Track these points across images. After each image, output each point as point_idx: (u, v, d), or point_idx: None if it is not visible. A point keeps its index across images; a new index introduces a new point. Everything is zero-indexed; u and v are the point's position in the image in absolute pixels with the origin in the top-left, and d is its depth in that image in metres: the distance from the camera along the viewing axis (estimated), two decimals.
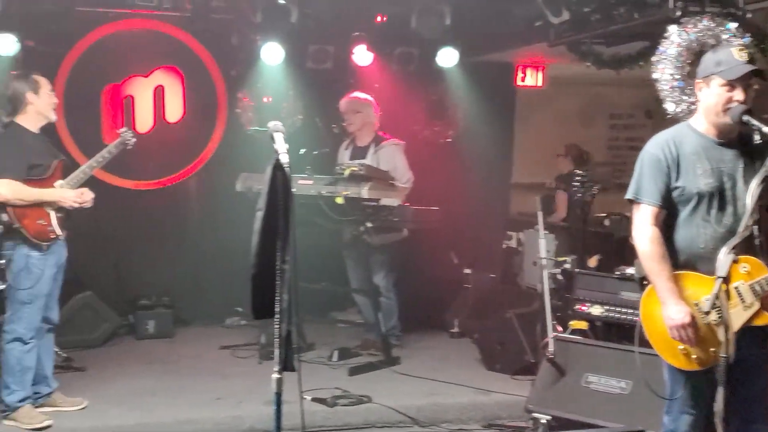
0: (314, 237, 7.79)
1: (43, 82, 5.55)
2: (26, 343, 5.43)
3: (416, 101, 8.74)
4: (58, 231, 5.46)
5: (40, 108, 5.50)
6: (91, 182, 8.11)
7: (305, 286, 7.54)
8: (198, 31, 8.27)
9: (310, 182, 6.65)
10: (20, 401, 5.46)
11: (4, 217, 5.29)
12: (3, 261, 5.45)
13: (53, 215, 5.44)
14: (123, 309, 8.06)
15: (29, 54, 7.64)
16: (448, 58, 8.32)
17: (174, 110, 8.42)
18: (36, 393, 5.65)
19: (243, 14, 7.67)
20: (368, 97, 7.34)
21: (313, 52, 8.21)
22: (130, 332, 8.02)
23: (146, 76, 8.27)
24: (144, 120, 8.31)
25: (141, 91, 8.26)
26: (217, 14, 7.81)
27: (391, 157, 7.14)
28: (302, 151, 6.89)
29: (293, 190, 6.52)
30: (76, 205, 5.54)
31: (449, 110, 8.86)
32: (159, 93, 8.37)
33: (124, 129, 6.08)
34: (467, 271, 8.17)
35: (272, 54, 7.94)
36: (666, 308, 3.81)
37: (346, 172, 6.40)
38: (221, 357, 7.31)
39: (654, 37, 6.15)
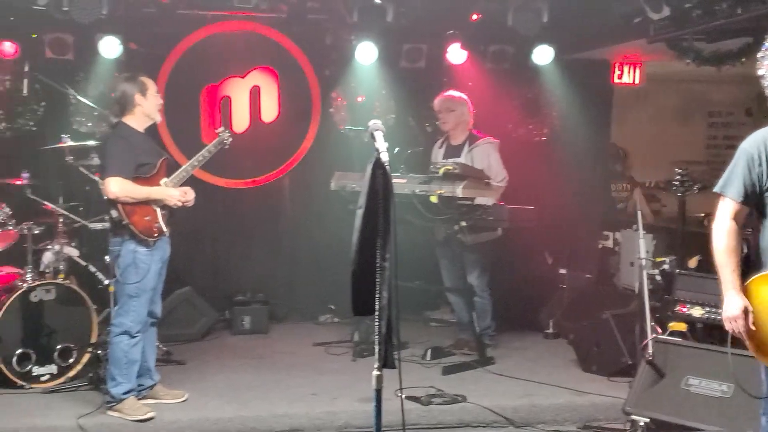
0: (407, 235, 7.84)
1: (150, 84, 5.73)
2: (133, 337, 5.60)
3: (510, 99, 8.67)
4: (164, 228, 5.63)
5: (146, 109, 5.69)
6: (189, 181, 8.37)
7: (399, 284, 7.62)
8: (293, 32, 8.37)
9: (404, 181, 6.65)
10: (125, 393, 5.62)
11: (114, 213, 5.48)
12: (110, 257, 5.64)
13: (159, 212, 5.62)
14: (219, 305, 8.23)
15: (132, 56, 7.87)
16: (543, 55, 8.22)
17: (269, 110, 8.55)
18: (140, 385, 5.82)
19: (338, 14, 7.73)
20: (462, 95, 7.30)
21: (406, 51, 8.23)
22: (226, 327, 8.17)
23: (243, 77, 8.41)
24: (240, 120, 8.45)
25: (238, 92, 8.41)
26: (312, 15, 7.90)
27: (486, 156, 7.09)
28: (396, 149, 6.91)
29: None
30: (180, 204, 5.72)
31: (544, 108, 8.74)
32: (255, 93, 8.51)
33: (221, 129, 6.23)
34: (562, 271, 8.08)
35: (366, 53, 7.99)
36: (725, 299, 3.85)
37: (441, 171, 6.38)
38: (315, 353, 7.38)
39: (758, 32, 5.97)
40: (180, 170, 5.82)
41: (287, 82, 8.52)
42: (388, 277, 3.64)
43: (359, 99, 8.48)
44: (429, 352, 7.10)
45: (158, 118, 5.83)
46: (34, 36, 7.65)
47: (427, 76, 8.43)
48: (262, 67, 8.42)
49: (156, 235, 5.60)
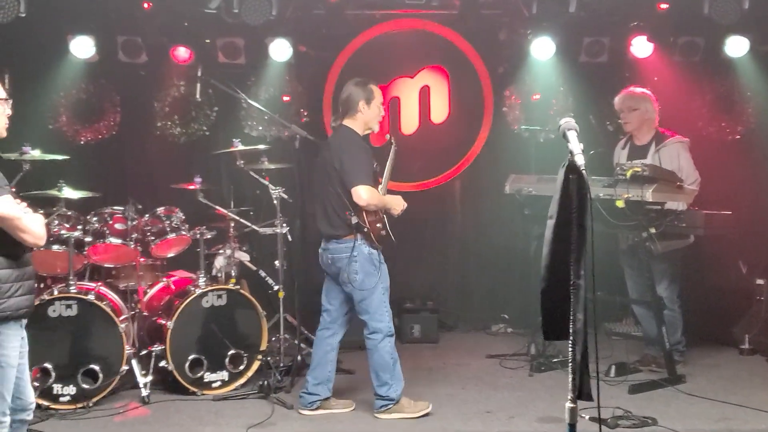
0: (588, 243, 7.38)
1: (378, 94, 5.69)
2: (392, 335, 5.64)
3: (700, 95, 8.00)
4: (391, 235, 5.64)
5: (367, 117, 5.66)
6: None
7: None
8: (464, 29, 8.05)
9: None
10: (399, 393, 5.64)
11: (354, 220, 5.44)
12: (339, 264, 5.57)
13: (385, 219, 5.62)
14: None
15: (301, 59, 7.75)
16: (737, 47, 7.52)
17: (439, 110, 8.27)
18: (315, 395, 5.73)
19: (514, 8, 7.36)
20: (645, 91, 6.75)
21: (587, 45, 7.72)
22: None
23: (412, 77, 8.16)
24: (409, 121, 8.22)
25: (407, 92, 8.17)
26: (485, 10, 7.56)
27: (675, 157, 6.51)
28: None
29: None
30: (400, 212, 5.70)
31: (738, 104, 8.01)
32: (424, 93, 8.25)
33: (388, 135, 6.12)
34: (759, 281, 7.36)
35: (543, 48, 7.57)
36: None
37: (628, 174, 5.88)
38: (489, 366, 7.01)
39: None
40: (385, 178, 5.79)
41: (458, 81, 8.20)
42: (583, 296, 3.20)
43: (535, 97, 8.05)
44: (613, 369, 6.60)
45: (376, 128, 5.79)
46: (207, 41, 7.65)
47: (609, 71, 7.91)
48: (432, 66, 8.13)
49: (384, 241, 5.61)
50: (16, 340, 3.94)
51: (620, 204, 5.95)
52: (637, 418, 5.51)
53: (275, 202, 6.52)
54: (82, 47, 7.26)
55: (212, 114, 7.98)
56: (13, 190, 4.44)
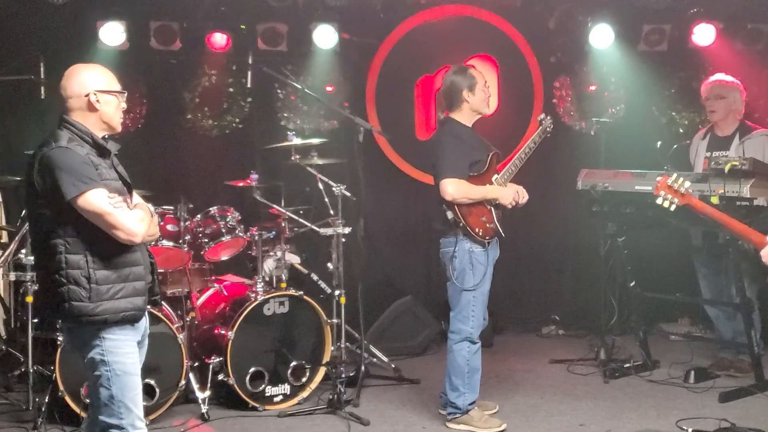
0: (658, 241, 7.02)
1: (479, 77, 5.34)
2: (474, 343, 5.29)
3: (760, 84, 7.64)
4: (499, 228, 5.25)
5: (474, 105, 5.32)
6: (400, 179, 7.78)
7: (653, 296, 6.83)
8: (514, 16, 7.64)
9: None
10: (471, 404, 5.30)
11: (449, 215, 5.14)
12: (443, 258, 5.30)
13: (494, 212, 5.24)
14: (435, 313, 7.54)
15: (345, 46, 7.30)
16: None
17: None
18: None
19: None
20: (735, 80, 6.39)
21: (647, 33, 7.34)
22: (443, 339, 7.46)
23: None
24: None
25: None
26: None
27: (761, 149, 6.13)
28: (659, 143, 6.12)
29: (648, 188, 5.92)
30: (514, 203, 5.29)
31: None
32: None
33: (542, 116, 5.74)
34: None
35: (602, 36, 7.18)
36: None
37: (727, 167, 5.48)
38: (557, 372, 6.59)
39: None
40: (509, 165, 5.41)
41: (508, 70, 7.78)
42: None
43: (591, 88, 7.63)
44: (692, 374, 6.21)
45: (488, 111, 5.48)
46: (243, 27, 7.16)
47: (669, 60, 7.54)
48: (480, 56, 7.67)
49: (492, 235, 5.22)
50: (129, 345, 3.58)
51: (715, 200, 5.56)
52: (745, 430, 5.15)
53: (325, 200, 6.13)
54: (113, 34, 6.76)
55: (246, 106, 7.48)
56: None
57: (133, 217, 3.53)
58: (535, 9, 7.46)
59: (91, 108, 3.60)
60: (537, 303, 7.93)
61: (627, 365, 6.48)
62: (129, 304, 3.56)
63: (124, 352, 3.56)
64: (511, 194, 5.27)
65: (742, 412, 5.53)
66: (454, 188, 5.09)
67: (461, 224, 5.10)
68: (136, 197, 3.80)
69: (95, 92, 3.60)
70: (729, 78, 6.39)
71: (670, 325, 7.70)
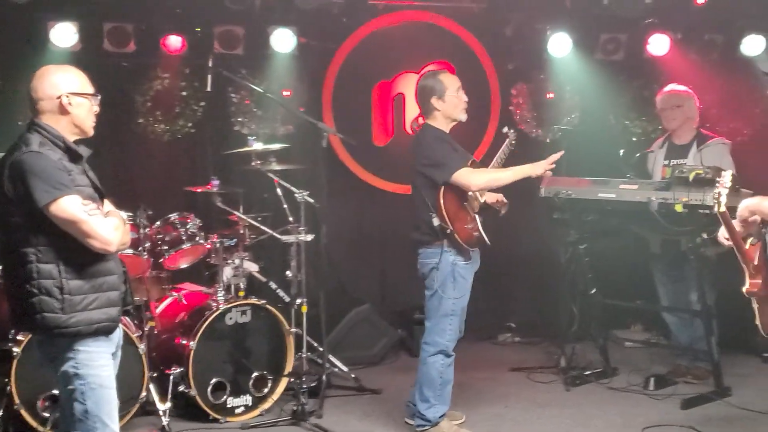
0: (614, 248, 7.06)
1: (450, 83, 5.20)
2: (449, 356, 5.21)
3: (713, 94, 7.75)
4: (485, 237, 5.17)
5: (446, 112, 5.21)
6: (356, 185, 7.69)
7: (613, 303, 6.86)
8: (471, 22, 7.63)
9: (635, 187, 5.85)
10: (441, 416, 5.23)
11: (435, 221, 5.01)
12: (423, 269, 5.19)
13: (478, 220, 5.14)
14: (393, 322, 7.47)
15: (303, 50, 7.19)
16: (753, 45, 7.31)
17: None
18: None
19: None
20: (688, 89, 6.47)
21: (603, 42, 7.39)
22: (401, 348, 7.41)
23: (418, 72, 7.61)
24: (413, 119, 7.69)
25: (412, 89, 7.55)
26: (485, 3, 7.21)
27: (719, 158, 6.21)
28: (622, 152, 6.17)
29: (612, 195, 5.94)
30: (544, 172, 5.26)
31: (749, 104, 7.78)
32: None
33: (506, 128, 5.58)
34: None
35: (559, 45, 7.22)
36: None
37: (691, 176, 5.53)
38: (517, 380, 6.57)
39: None
40: None
41: (465, 77, 7.70)
42: None
43: (549, 95, 7.66)
44: (652, 381, 6.26)
45: (463, 117, 5.27)
46: (198, 30, 7.00)
47: (625, 68, 7.62)
48: (438, 62, 7.61)
49: (476, 244, 5.17)
50: (104, 357, 3.44)
51: (679, 208, 5.61)
52: None
53: (284, 206, 6.02)
54: (64, 35, 6.53)
55: (199, 110, 7.30)
56: None
57: (107, 226, 3.39)
58: (493, 16, 7.45)
59: (62, 111, 3.46)
60: (492, 310, 7.89)
61: (587, 373, 6.51)
62: (103, 315, 3.42)
63: (98, 365, 3.42)
64: (543, 164, 5.14)
65: (705, 419, 5.58)
66: (475, 175, 5.02)
67: (449, 231, 5.00)
68: (108, 204, 3.66)
69: (67, 94, 3.46)
70: (683, 87, 6.48)
71: (624, 331, 7.74)
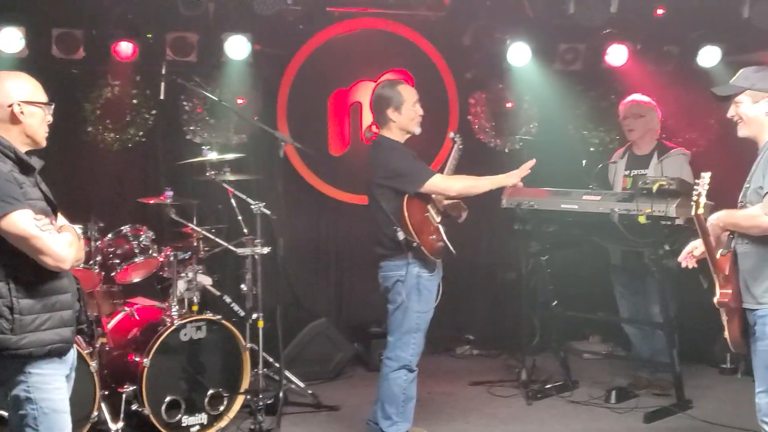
0: (574, 260, 7.01)
1: (408, 95, 5.08)
2: (412, 371, 5.09)
3: (669, 105, 7.75)
4: (450, 247, 5.04)
5: (401, 124, 5.10)
6: (312, 196, 7.53)
7: (577, 315, 6.82)
8: (429, 31, 7.54)
9: (598, 198, 5.79)
10: None
11: (401, 235, 4.86)
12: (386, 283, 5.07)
13: (442, 230, 5.02)
14: (348, 336, 7.32)
15: (258, 58, 7.03)
16: (709, 56, 7.33)
17: None
18: None
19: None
20: (650, 100, 6.45)
21: (562, 52, 7.36)
22: (357, 363, 7.26)
23: (375, 81, 7.48)
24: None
25: (369, 97, 7.47)
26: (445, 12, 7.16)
27: (678, 168, 6.22)
28: (584, 162, 6.14)
29: (575, 206, 5.89)
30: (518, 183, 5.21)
31: (704, 116, 7.80)
32: None
33: (452, 133, 5.50)
34: None
35: (519, 54, 7.15)
36: None
37: (655, 187, 5.48)
38: (478, 395, 6.49)
39: None
40: None
41: (423, 86, 7.61)
42: None
43: (508, 105, 7.60)
44: (614, 394, 6.21)
45: (417, 130, 5.14)
46: (149, 36, 6.80)
47: (583, 79, 7.61)
48: (396, 70, 7.50)
49: (441, 254, 5.06)
50: (57, 380, 3.26)
51: (643, 220, 5.56)
52: None
53: (239, 218, 5.86)
54: (10, 40, 6.29)
55: (150, 118, 7.09)
56: None
57: (61, 241, 3.21)
58: (452, 25, 7.36)
59: (14, 120, 3.27)
60: (450, 323, 7.78)
61: (548, 386, 6.44)
62: (56, 335, 3.23)
63: (52, 388, 3.23)
64: (517, 173, 5.10)
65: None
66: (456, 182, 4.99)
67: (415, 244, 4.88)
68: (61, 218, 3.46)
69: (19, 103, 3.26)
70: (645, 98, 6.47)
71: (582, 343, 7.70)
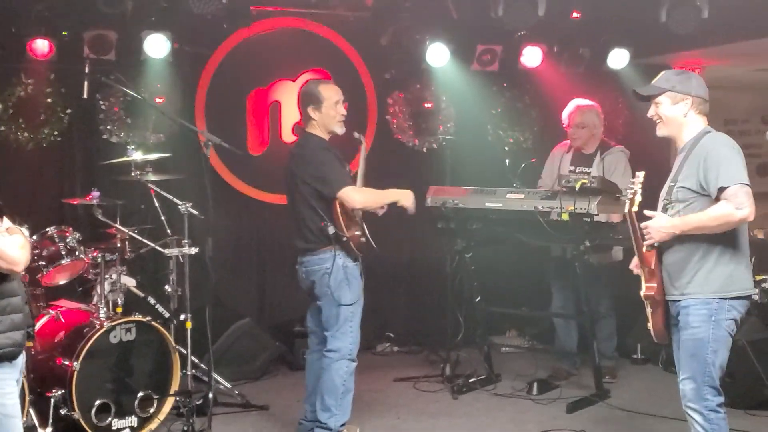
0: (501, 256, 7.17)
1: (329, 94, 5.13)
2: (353, 362, 5.14)
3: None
4: (372, 243, 5.14)
5: (322, 123, 5.16)
6: (231, 196, 7.47)
7: (502, 311, 6.96)
8: (347, 30, 7.58)
9: (522, 196, 5.95)
10: (341, 426, 5.12)
11: (330, 230, 4.93)
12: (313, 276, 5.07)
13: (364, 225, 5.12)
14: (273, 335, 7.30)
15: (178, 56, 6.94)
16: (618, 59, 7.60)
17: None
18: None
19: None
20: (592, 103, 6.68)
21: (479, 53, 7.51)
22: (280, 362, 7.24)
23: (294, 80, 7.50)
24: (290, 128, 7.55)
25: (288, 96, 7.46)
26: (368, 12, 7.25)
27: (617, 165, 6.47)
28: (507, 161, 6.30)
29: (499, 205, 6.04)
30: (411, 207, 5.29)
31: (611, 116, 8.05)
32: None
33: (357, 134, 5.56)
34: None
35: (437, 55, 7.26)
36: None
37: (578, 185, 5.66)
38: (404, 390, 6.57)
39: None
40: (359, 183, 5.31)
41: (341, 85, 7.67)
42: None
43: (427, 105, 7.71)
44: (535, 386, 6.39)
45: (339, 130, 5.19)
46: (65, 34, 6.63)
47: (500, 79, 7.78)
48: (314, 70, 7.52)
49: (364, 249, 5.16)
50: (9, 385, 3.20)
51: (565, 216, 5.74)
52: None
53: (162, 218, 5.83)
54: None
55: (66, 117, 6.92)
56: None
57: (13, 244, 3.14)
58: (371, 25, 7.41)
59: None
60: (371, 319, 7.77)
61: (472, 380, 6.57)
62: (7, 339, 3.17)
63: (3, 393, 3.18)
64: (411, 195, 5.23)
65: (592, 421, 5.76)
66: (361, 194, 5.06)
67: (345, 239, 4.96)
68: (6, 221, 3.38)
69: None
70: (587, 102, 6.65)
71: (500, 337, 7.88)
